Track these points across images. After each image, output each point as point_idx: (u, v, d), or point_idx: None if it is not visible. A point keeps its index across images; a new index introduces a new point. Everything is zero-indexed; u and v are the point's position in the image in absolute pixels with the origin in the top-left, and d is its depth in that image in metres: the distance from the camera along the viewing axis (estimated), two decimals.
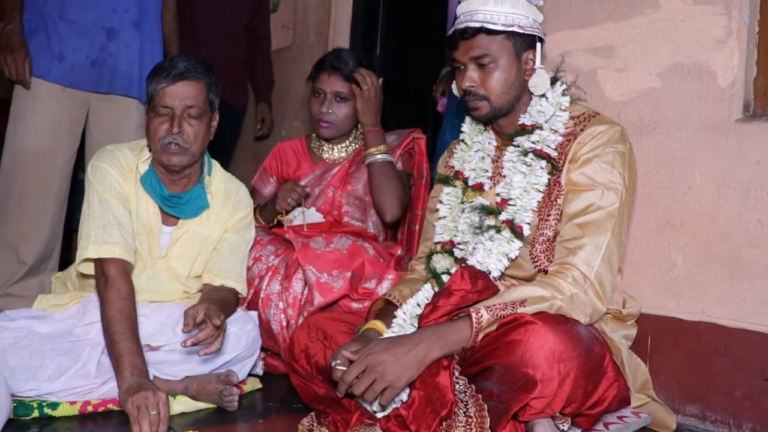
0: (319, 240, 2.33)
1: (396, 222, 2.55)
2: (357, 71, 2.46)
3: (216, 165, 2.22)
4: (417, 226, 2.56)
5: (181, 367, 2.01)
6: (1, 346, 1.85)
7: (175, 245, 2.12)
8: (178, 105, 1.98)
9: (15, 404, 1.81)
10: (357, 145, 2.62)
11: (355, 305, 2.27)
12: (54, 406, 1.87)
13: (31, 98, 2.62)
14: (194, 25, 3.43)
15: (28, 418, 1.84)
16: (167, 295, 2.14)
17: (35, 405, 1.85)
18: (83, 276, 2.06)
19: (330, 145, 2.63)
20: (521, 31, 1.82)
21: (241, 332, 2.07)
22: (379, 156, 2.45)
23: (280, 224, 2.54)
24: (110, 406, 1.91)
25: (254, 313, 2.19)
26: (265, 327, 2.26)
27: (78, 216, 2.08)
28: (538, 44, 1.87)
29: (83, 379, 1.89)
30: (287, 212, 2.50)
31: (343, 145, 2.62)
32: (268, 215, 2.52)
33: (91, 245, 1.95)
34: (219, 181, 2.20)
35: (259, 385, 2.20)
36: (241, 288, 2.19)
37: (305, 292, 2.28)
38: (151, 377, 1.87)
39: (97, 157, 2.08)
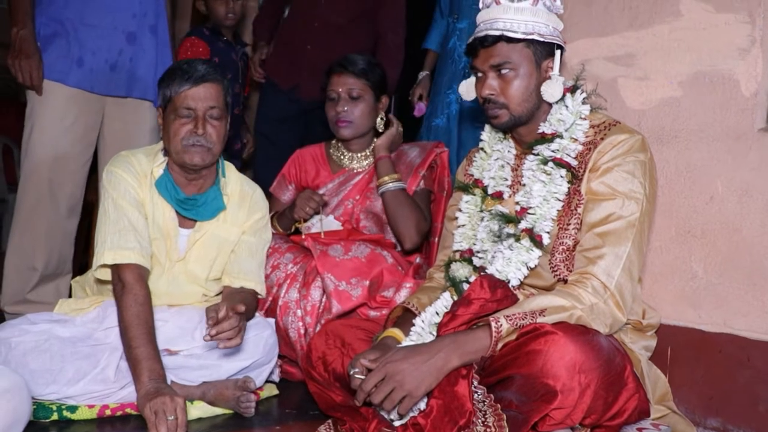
0: (337, 248, 2.33)
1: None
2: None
3: (230, 167, 2.24)
4: (436, 239, 2.53)
5: (199, 372, 2.01)
6: (23, 350, 1.87)
7: (193, 248, 2.13)
8: (201, 107, 2.00)
9: (35, 407, 1.82)
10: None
11: (372, 313, 2.26)
12: (73, 409, 1.88)
13: (47, 102, 2.62)
14: (286, 28, 3.41)
15: (47, 420, 1.85)
16: (186, 298, 2.15)
17: (54, 408, 1.87)
18: (101, 281, 2.07)
19: (350, 154, 2.62)
20: (541, 39, 1.81)
21: (259, 338, 2.08)
22: (391, 184, 2.44)
23: (297, 232, 2.53)
24: (128, 410, 1.92)
25: (271, 320, 2.20)
26: (282, 334, 2.26)
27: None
28: (557, 52, 1.86)
29: (102, 384, 1.90)
30: (305, 220, 2.50)
31: (363, 154, 2.61)
32: (286, 223, 2.52)
33: (107, 251, 1.95)
34: (234, 183, 2.21)
35: (276, 392, 2.20)
36: (261, 289, 2.20)
37: (323, 300, 2.27)
38: (169, 382, 1.88)
39: (111, 163, 2.09)
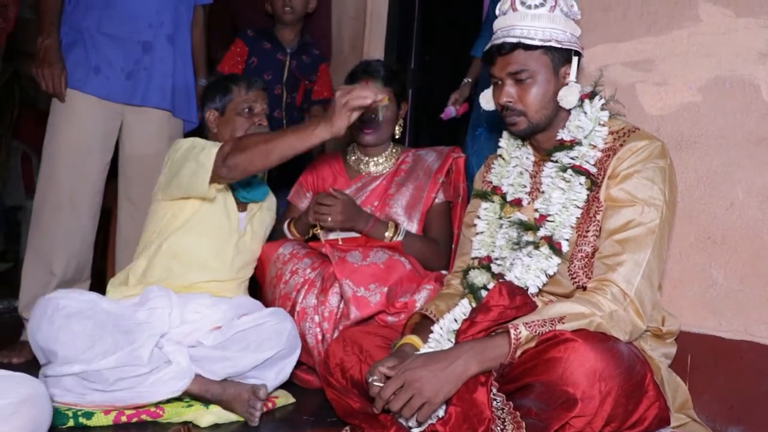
0: (355, 254, 2.32)
1: None
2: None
3: None
4: (453, 245, 2.53)
5: (222, 364, 2.03)
6: (68, 312, 1.94)
7: (249, 227, 2.42)
8: (258, 106, 2.44)
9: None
10: (393, 160, 2.62)
11: (391, 319, 2.25)
12: (88, 415, 1.89)
13: (67, 110, 2.65)
14: None
15: (63, 427, 1.86)
16: (245, 267, 2.42)
17: (70, 414, 1.88)
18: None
19: (366, 159, 2.63)
20: (559, 46, 1.81)
21: (281, 328, 2.13)
22: (394, 240, 2.44)
23: (315, 237, 2.53)
24: (144, 416, 1.93)
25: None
26: (302, 340, 2.25)
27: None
28: (574, 58, 1.85)
29: (134, 363, 1.91)
30: (321, 225, 2.49)
31: (381, 158, 2.62)
32: (303, 228, 2.52)
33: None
34: (261, 175, 2.53)
35: (293, 399, 2.20)
36: None
37: (341, 306, 2.27)
38: (193, 375, 1.98)
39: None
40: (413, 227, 2.52)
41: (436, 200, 2.56)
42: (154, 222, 2.33)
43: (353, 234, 2.49)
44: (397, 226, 2.45)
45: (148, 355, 1.93)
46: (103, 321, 1.96)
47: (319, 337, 2.26)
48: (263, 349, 2.07)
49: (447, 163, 2.58)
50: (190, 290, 2.23)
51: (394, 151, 2.65)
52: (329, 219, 2.38)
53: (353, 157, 2.66)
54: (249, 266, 2.43)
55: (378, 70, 2.53)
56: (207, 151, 2.14)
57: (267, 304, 2.40)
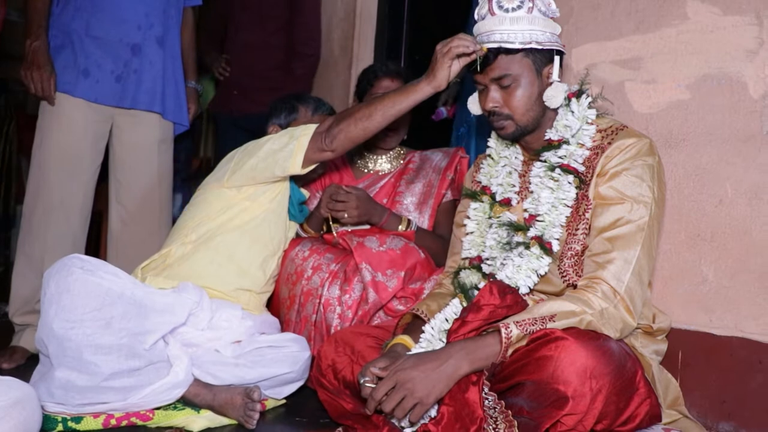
0: (373, 239, 2.33)
1: None
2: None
3: None
4: None
5: (230, 372, 2.01)
6: (89, 268, 1.85)
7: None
8: None
9: None
10: (401, 160, 2.64)
11: (400, 307, 2.26)
12: (78, 420, 1.87)
13: (57, 113, 2.64)
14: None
15: (53, 431, 1.84)
16: (270, 286, 2.38)
17: (59, 419, 1.85)
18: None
19: (375, 158, 2.64)
20: (539, 47, 1.81)
21: (300, 356, 2.12)
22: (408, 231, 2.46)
23: (329, 230, 2.51)
24: (134, 419, 1.91)
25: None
26: (324, 333, 2.26)
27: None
28: (556, 57, 1.85)
29: (129, 345, 1.84)
30: (334, 219, 2.47)
31: (388, 157, 2.64)
32: (316, 223, 2.52)
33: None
34: None
35: (283, 400, 2.19)
36: None
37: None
38: (190, 382, 1.94)
39: None
40: (424, 222, 2.54)
41: (445, 197, 2.57)
42: (206, 210, 2.26)
43: (366, 226, 2.49)
44: (409, 221, 2.47)
45: (152, 342, 1.88)
46: (122, 288, 1.87)
47: (339, 328, 2.25)
48: (274, 367, 2.06)
49: (454, 161, 2.61)
50: (224, 298, 2.17)
51: (401, 151, 2.67)
52: (345, 215, 2.38)
53: (359, 157, 2.67)
54: (274, 282, 2.41)
55: (395, 67, 2.57)
56: (303, 128, 2.15)
57: (280, 302, 2.40)
